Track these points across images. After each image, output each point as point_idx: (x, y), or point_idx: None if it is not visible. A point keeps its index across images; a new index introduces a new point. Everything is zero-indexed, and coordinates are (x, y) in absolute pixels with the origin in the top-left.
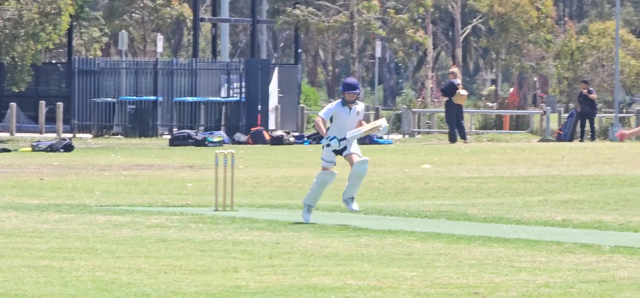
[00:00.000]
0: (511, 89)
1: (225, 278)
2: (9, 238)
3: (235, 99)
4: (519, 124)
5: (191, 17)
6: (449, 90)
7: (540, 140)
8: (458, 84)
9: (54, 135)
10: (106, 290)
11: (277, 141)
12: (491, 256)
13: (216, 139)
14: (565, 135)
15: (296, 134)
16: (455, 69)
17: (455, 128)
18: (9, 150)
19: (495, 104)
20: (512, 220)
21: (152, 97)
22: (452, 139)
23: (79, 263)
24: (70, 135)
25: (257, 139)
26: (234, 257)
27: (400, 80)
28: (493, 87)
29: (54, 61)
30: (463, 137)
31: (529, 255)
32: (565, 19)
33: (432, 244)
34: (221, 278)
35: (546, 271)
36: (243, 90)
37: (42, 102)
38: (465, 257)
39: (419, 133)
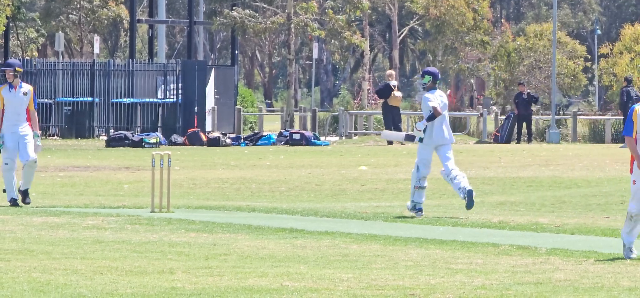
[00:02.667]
0: (448, 91)
1: (161, 279)
2: None
3: (172, 100)
4: (456, 126)
5: (128, 19)
6: (384, 91)
7: (477, 142)
8: (394, 86)
9: None
10: (42, 292)
11: (214, 143)
12: (427, 258)
13: (153, 140)
14: (502, 137)
15: (233, 135)
16: (391, 71)
17: (391, 130)
18: None
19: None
20: (449, 222)
21: (89, 99)
22: (389, 141)
23: (14, 264)
24: None
25: (194, 141)
26: (170, 259)
27: (337, 82)
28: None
29: None
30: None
31: (465, 257)
32: (502, 20)
33: (368, 246)
34: (157, 279)
35: (482, 273)
36: (180, 91)
37: None
38: (402, 259)
39: (355, 135)
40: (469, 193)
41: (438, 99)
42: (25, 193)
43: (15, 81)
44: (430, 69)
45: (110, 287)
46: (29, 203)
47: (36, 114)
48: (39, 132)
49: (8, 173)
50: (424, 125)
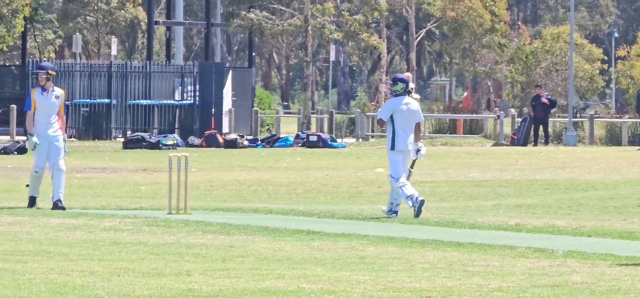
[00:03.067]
0: (465, 94)
1: (178, 281)
2: None
3: (189, 102)
4: (473, 128)
5: (145, 20)
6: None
7: (494, 145)
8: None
9: (7, 137)
10: (59, 293)
11: (231, 144)
12: (444, 260)
13: (170, 142)
14: (519, 139)
15: (250, 137)
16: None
17: None
18: None
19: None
20: (466, 224)
21: (106, 100)
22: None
23: (32, 266)
24: (24, 137)
25: (211, 142)
26: (187, 261)
27: (355, 84)
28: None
29: (7, 63)
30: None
31: (482, 259)
32: (519, 23)
33: (385, 248)
34: (174, 281)
35: (499, 275)
36: (197, 93)
37: None
38: (419, 261)
39: (372, 137)
40: (393, 213)
41: (407, 109)
42: (55, 205)
43: (48, 84)
44: (401, 76)
45: (127, 289)
46: (64, 208)
47: (65, 117)
48: (66, 137)
49: (36, 178)
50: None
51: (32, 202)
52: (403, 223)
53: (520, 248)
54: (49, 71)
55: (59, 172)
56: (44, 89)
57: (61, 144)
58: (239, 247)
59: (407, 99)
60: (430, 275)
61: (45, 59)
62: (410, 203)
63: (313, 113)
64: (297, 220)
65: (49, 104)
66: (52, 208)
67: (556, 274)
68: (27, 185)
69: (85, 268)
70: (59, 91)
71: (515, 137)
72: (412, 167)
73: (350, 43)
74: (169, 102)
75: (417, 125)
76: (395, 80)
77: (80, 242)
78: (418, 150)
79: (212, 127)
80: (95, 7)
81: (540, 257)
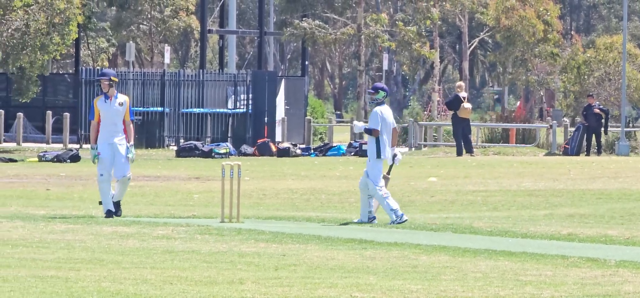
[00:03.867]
0: (517, 103)
1: (231, 290)
2: (15, 248)
3: (242, 110)
4: (526, 138)
5: (199, 29)
6: (454, 103)
7: (547, 154)
8: (464, 98)
9: (60, 145)
10: None
11: (284, 153)
12: (497, 269)
13: (223, 151)
14: (572, 149)
15: (303, 146)
16: (461, 83)
17: (461, 141)
18: (15, 161)
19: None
20: (518, 234)
21: (159, 108)
22: (459, 153)
23: (85, 273)
24: (77, 145)
25: (264, 151)
26: (240, 269)
27: (407, 93)
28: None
29: (61, 71)
30: (469, 150)
31: (534, 268)
32: (572, 32)
33: (437, 257)
34: (227, 290)
35: (552, 285)
36: (250, 102)
37: (49, 113)
38: (471, 270)
39: (425, 146)
40: (372, 220)
41: (388, 117)
42: (116, 205)
43: (111, 91)
44: (382, 85)
45: (180, 297)
46: (119, 215)
47: (132, 125)
48: (133, 144)
49: (103, 185)
50: (362, 125)
51: (109, 214)
52: (455, 232)
53: (572, 257)
54: (112, 78)
55: (124, 179)
56: (106, 96)
57: (126, 152)
58: (291, 255)
59: (386, 107)
60: (482, 284)
61: (104, 67)
62: (393, 216)
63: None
64: (349, 229)
65: (113, 111)
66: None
67: (608, 284)
68: (100, 202)
69: (138, 276)
70: (122, 98)
71: (568, 147)
72: (388, 173)
73: (403, 52)
74: (221, 110)
75: (394, 131)
76: (376, 89)
77: (133, 250)
78: (394, 156)
79: (265, 135)
80: (149, 16)
81: (592, 267)
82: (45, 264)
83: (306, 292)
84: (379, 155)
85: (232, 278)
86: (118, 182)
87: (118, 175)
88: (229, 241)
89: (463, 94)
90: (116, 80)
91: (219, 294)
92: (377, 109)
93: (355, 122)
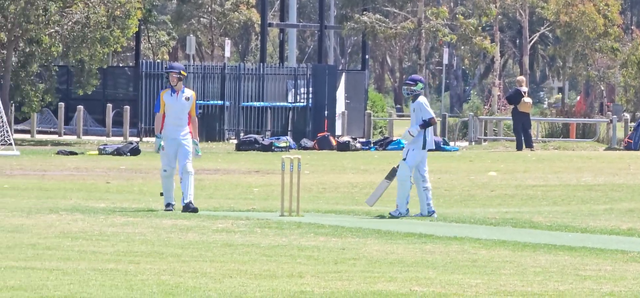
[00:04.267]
0: (578, 97)
1: (291, 283)
2: (75, 241)
3: (302, 104)
4: (586, 133)
5: (259, 22)
6: (514, 97)
7: (607, 149)
8: (524, 92)
9: (120, 138)
10: (171, 294)
11: (344, 147)
12: (556, 264)
13: (282, 144)
14: (635, 143)
15: (363, 140)
16: (521, 77)
17: (521, 136)
18: (75, 153)
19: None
20: (578, 229)
21: (219, 102)
22: (518, 147)
23: (144, 266)
24: (137, 138)
25: (324, 145)
26: (299, 263)
27: (467, 87)
28: (559, 95)
29: (121, 64)
30: (529, 145)
31: (594, 263)
32: (633, 27)
33: (497, 251)
34: (286, 283)
35: (611, 280)
36: (310, 95)
37: (109, 106)
38: (530, 265)
39: (485, 140)
40: (431, 214)
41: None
42: (187, 206)
43: (178, 85)
44: (419, 77)
45: (239, 291)
46: (197, 210)
47: (197, 120)
48: (198, 140)
49: (166, 180)
50: (417, 130)
51: (168, 208)
52: (515, 227)
53: (632, 252)
54: (181, 72)
55: (187, 174)
56: (173, 90)
57: (190, 146)
58: (351, 249)
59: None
60: (542, 279)
61: (166, 60)
62: (399, 211)
63: None
64: (409, 223)
65: (179, 105)
66: (183, 211)
67: None
68: (161, 194)
69: (198, 269)
70: (189, 92)
71: (631, 142)
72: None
73: (463, 46)
74: (282, 104)
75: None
76: (415, 81)
77: (192, 243)
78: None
79: (325, 129)
80: (209, 9)
81: None
82: (104, 257)
83: (365, 285)
84: (424, 146)
85: (291, 272)
86: (182, 181)
87: (181, 165)
88: (289, 235)
89: (524, 89)
90: (185, 74)
91: (278, 288)
92: (422, 99)
93: (407, 132)
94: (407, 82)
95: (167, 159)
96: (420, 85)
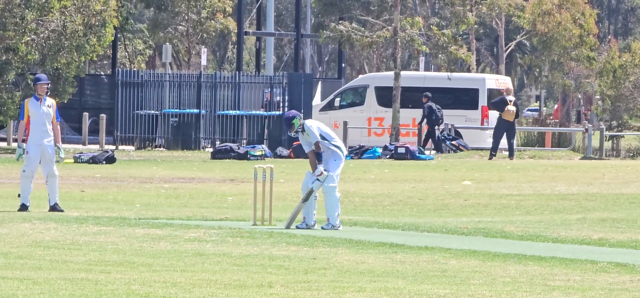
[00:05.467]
0: (555, 106)
1: (260, 293)
2: (47, 250)
3: (278, 112)
4: (561, 141)
5: (236, 31)
6: (499, 105)
7: (582, 158)
8: (509, 100)
9: (96, 146)
10: None
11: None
12: (526, 274)
13: (258, 153)
14: None
15: None
16: (508, 86)
17: (499, 141)
18: None
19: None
20: (549, 238)
21: (195, 110)
22: (493, 152)
23: (115, 276)
24: (113, 147)
25: (299, 153)
26: (270, 272)
27: None
28: (537, 103)
29: (97, 73)
30: (510, 155)
31: (563, 273)
32: (610, 36)
33: (467, 261)
34: (255, 293)
35: (580, 290)
36: (286, 104)
37: (86, 114)
38: (500, 275)
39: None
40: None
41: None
42: (53, 207)
43: (42, 94)
44: (290, 114)
45: None
46: (62, 211)
47: (59, 126)
48: (61, 144)
49: (25, 181)
50: (322, 170)
51: (23, 208)
52: (486, 236)
53: (602, 263)
54: (49, 83)
55: (53, 177)
56: (37, 98)
57: (54, 151)
58: (322, 259)
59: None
60: (510, 289)
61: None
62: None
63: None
64: (381, 233)
65: (42, 113)
66: (50, 210)
67: (636, 289)
68: (19, 195)
69: (168, 279)
70: (50, 101)
71: None
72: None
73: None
74: (258, 112)
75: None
76: (290, 123)
77: (164, 253)
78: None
79: None
80: (186, 17)
81: (621, 272)
82: (76, 266)
83: (334, 295)
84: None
85: (261, 282)
86: (47, 183)
87: (45, 172)
88: (260, 244)
89: (510, 97)
90: (50, 84)
91: (247, 297)
92: (310, 123)
93: (320, 173)
94: (287, 128)
95: (28, 161)
96: (297, 120)
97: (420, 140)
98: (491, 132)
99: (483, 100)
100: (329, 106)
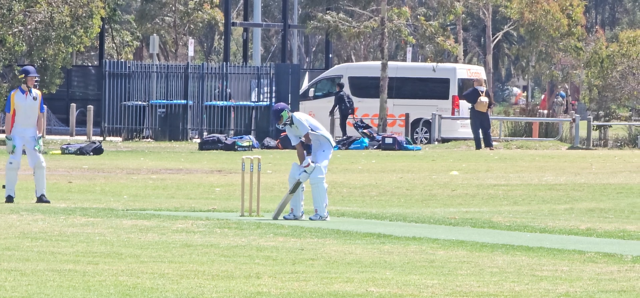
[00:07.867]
0: (542, 96)
1: (247, 284)
2: (35, 241)
3: (265, 103)
4: (549, 132)
5: (223, 21)
6: (471, 96)
7: (569, 148)
8: (482, 91)
9: (84, 138)
10: (128, 295)
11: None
12: (513, 264)
13: (246, 143)
14: None
15: None
16: (479, 77)
17: (479, 135)
18: None
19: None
20: (537, 229)
21: (183, 101)
22: (477, 146)
23: (103, 267)
24: (101, 138)
25: (287, 144)
26: (258, 263)
27: None
28: (524, 93)
29: (85, 64)
30: (488, 145)
31: (551, 263)
32: (596, 26)
33: (455, 252)
34: (243, 284)
35: (567, 280)
36: (273, 94)
37: (73, 105)
38: (488, 265)
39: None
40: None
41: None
42: (40, 198)
43: (28, 86)
44: (279, 106)
45: (196, 292)
46: (49, 202)
47: (43, 117)
48: (42, 134)
49: (10, 172)
50: (309, 162)
51: (9, 200)
52: (474, 227)
53: (589, 253)
54: (37, 76)
55: (40, 169)
56: (23, 91)
57: (38, 142)
58: (309, 249)
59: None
60: (498, 279)
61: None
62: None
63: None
64: (368, 223)
65: (28, 104)
66: (37, 202)
67: (624, 279)
68: (4, 186)
69: (156, 270)
70: (36, 92)
71: None
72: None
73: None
74: (245, 103)
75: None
76: (279, 115)
77: (152, 244)
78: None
79: None
80: (173, 8)
81: (609, 262)
82: (63, 258)
83: (322, 286)
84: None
85: (249, 273)
86: (35, 174)
87: (31, 163)
88: (248, 235)
89: (482, 88)
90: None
91: (235, 289)
92: (298, 115)
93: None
94: (276, 120)
95: (15, 154)
96: (285, 112)
97: (333, 130)
98: (462, 122)
99: (454, 90)
100: (304, 96)
